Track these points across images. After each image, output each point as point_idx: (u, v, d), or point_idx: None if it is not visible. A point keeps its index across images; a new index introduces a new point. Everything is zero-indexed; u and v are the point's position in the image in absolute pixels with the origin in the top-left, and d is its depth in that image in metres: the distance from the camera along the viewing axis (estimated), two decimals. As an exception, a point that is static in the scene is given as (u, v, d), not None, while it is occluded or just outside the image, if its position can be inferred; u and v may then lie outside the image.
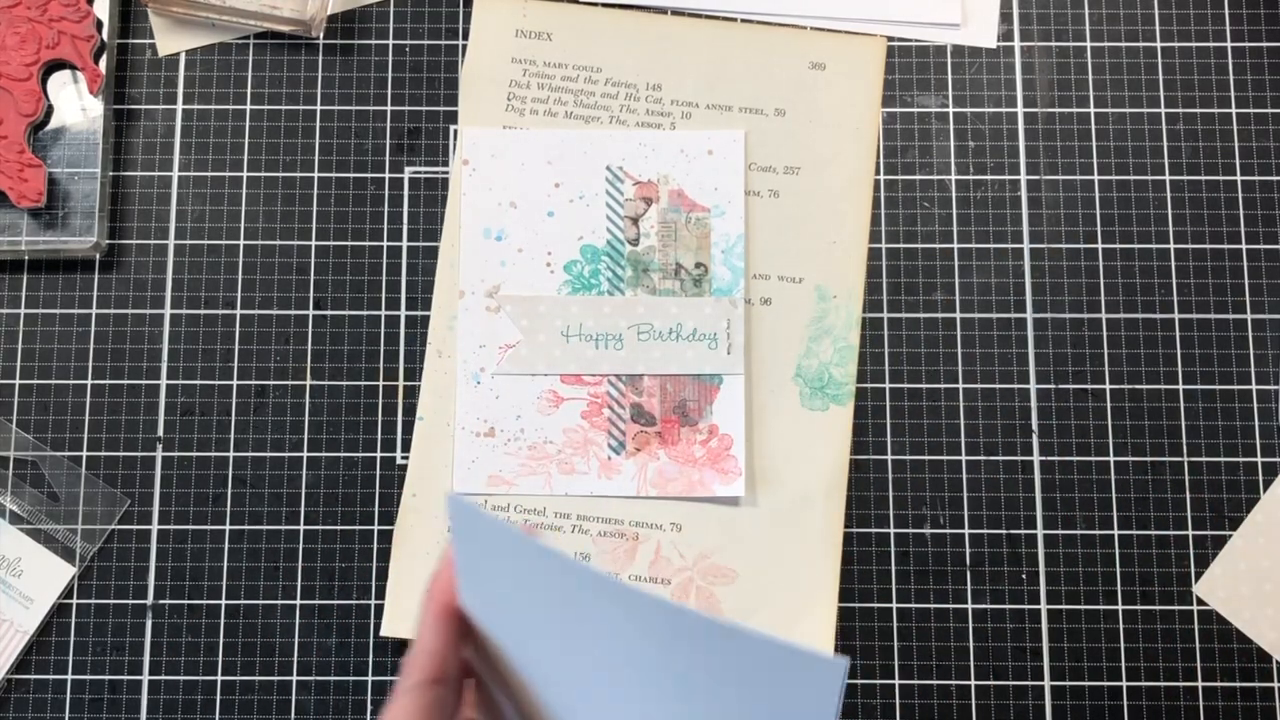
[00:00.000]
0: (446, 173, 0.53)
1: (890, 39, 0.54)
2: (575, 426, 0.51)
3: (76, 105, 0.53)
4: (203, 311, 0.52)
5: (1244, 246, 0.52)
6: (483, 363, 0.51)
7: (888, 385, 0.52)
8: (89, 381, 0.52)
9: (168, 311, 0.52)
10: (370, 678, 0.50)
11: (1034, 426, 0.51)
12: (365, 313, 0.52)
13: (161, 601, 0.50)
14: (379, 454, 0.51)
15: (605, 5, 0.54)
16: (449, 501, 0.33)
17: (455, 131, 0.53)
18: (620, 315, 0.51)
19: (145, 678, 0.50)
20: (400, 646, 0.50)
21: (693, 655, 0.32)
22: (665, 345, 0.51)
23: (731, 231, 0.52)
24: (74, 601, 0.50)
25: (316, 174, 0.53)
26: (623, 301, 0.51)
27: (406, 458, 0.51)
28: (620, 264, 0.52)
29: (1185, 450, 0.51)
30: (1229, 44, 0.54)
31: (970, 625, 0.50)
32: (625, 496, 0.50)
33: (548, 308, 0.51)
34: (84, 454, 0.51)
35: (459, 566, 0.34)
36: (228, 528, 0.51)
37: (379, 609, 0.50)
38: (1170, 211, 0.53)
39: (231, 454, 0.51)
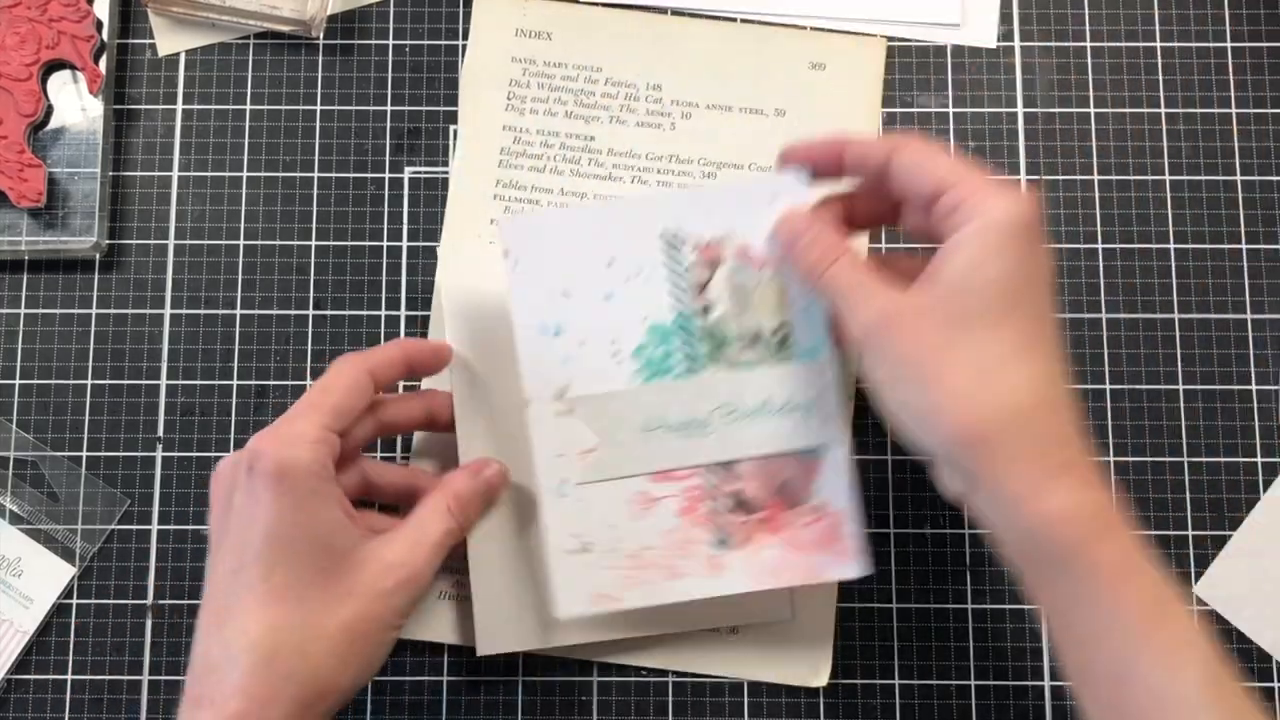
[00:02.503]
0: (446, 173, 0.53)
1: (890, 39, 0.54)
2: (673, 527, 0.46)
3: (76, 105, 0.53)
4: (203, 311, 0.52)
5: (1244, 246, 0.52)
6: (564, 474, 0.46)
7: (888, 385, 0.52)
8: (89, 381, 0.52)
9: (168, 311, 0.52)
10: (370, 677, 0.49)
11: (1034, 426, 0.51)
12: (365, 313, 0.52)
13: (161, 601, 0.50)
14: (379, 454, 0.51)
15: (605, 5, 0.54)
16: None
17: (455, 131, 0.53)
18: (702, 398, 0.46)
19: (145, 678, 0.50)
20: (402, 645, 0.50)
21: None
22: (757, 423, 0.46)
23: None
24: (74, 601, 0.50)
25: (316, 174, 0.53)
26: (703, 382, 0.46)
27: (406, 458, 0.51)
28: (693, 341, 0.46)
29: (1185, 450, 0.51)
30: (1229, 44, 0.54)
31: (970, 625, 0.50)
32: (739, 595, 0.46)
33: (623, 403, 0.46)
34: (84, 454, 0.51)
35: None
36: (228, 528, 0.50)
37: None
38: (1170, 211, 0.53)
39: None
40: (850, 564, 0.46)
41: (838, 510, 0.46)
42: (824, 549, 0.46)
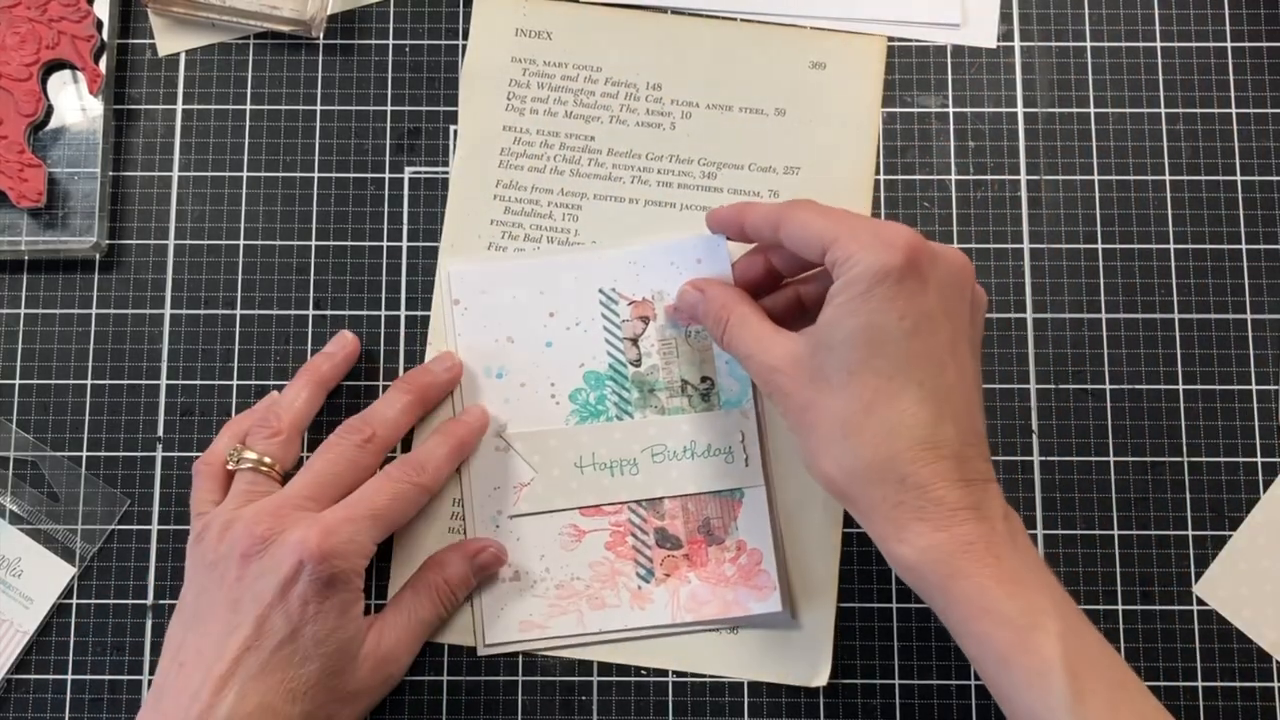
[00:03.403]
0: (446, 173, 0.53)
1: (890, 39, 0.54)
2: (601, 559, 0.49)
3: (76, 105, 0.53)
4: (203, 311, 0.52)
5: (1244, 246, 0.52)
6: (499, 506, 0.50)
7: (888, 385, 0.52)
8: (89, 381, 0.52)
9: (168, 311, 0.52)
10: None
11: (1034, 426, 0.51)
12: (365, 313, 0.52)
13: (161, 601, 0.50)
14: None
15: (605, 4, 0.54)
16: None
17: (455, 131, 0.53)
18: (632, 439, 0.50)
19: (145, 678, 0.50)
20: (400, 646, 0.50)
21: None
22: (681, 465, 0.50)
23: None
24: (74, 601, 0.50)
25: (316, 174, 0.53)
26: (633, 425, 0.50)
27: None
28: (625, 387, 0.50)
29: (1185, 450, 0.51)
30: (1229, 44, 0.54)
31: (970, 625, 0.50)
32: (660, 626, 0.49)
33: (558, 440, 0.50)
34: (84, 454, 0.51)
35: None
36: (228, 528, 0.50)
37: (379, 608, 0.49)
38: (1170, 211, 0.53)
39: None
40: (769, 599, 0.48)
41: (756, 548, 0.49)
42: (743, 585, 0.49)
